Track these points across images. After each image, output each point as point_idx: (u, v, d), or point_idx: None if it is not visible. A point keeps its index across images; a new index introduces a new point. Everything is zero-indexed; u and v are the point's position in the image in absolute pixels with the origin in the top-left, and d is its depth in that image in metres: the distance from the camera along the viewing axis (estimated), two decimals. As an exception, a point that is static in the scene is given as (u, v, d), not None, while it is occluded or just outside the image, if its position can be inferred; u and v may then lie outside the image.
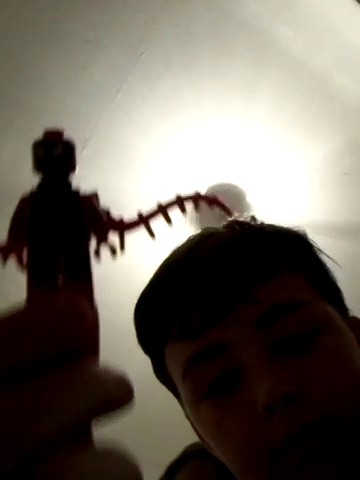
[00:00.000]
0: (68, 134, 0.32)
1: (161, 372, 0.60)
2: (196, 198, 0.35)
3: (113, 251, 0.32)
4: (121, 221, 0.32)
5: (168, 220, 0.33)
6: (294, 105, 1.77)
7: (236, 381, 0.50)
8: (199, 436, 0.59)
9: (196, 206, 0.35)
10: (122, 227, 0.32)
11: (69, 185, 0.29)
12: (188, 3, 1.55)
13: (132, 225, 0.32)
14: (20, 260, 0.29)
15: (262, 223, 0.65)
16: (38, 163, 0.30)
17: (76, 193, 0.30)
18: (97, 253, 0.31)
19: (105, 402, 0.20)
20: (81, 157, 1.77)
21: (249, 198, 1.93)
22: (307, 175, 1.90)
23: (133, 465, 0.20)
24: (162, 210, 0.34)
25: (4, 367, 0.19)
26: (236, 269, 0.53)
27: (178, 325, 0.53)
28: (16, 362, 0.20)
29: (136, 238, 0.36)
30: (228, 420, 0.50)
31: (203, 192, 0.35)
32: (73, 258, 0.27)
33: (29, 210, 0.28)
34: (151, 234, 0.33)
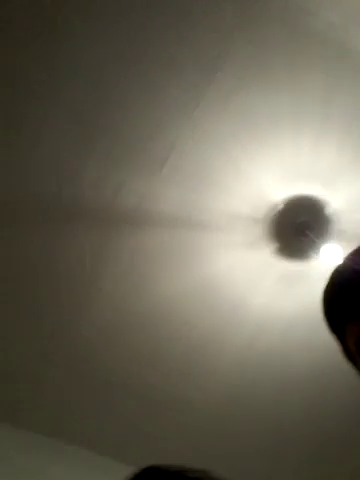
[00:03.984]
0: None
1: (345, 350, 0.69)
2: None
3: None
4: None
5: None
6: (374, 114, 1.72)
7: None
8: None
9: None
10: None
11: None
12: (262, 18, 1.56)
13: None
14: None
15: None
16: None
17: None
18: None
19: None
20: (160, 175, 1.82)
21: (328, 210, 1.89)
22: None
23: None
24: None
25: None
26: None
27: (355, 310, 0.63)
28: None
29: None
30: None
31: (281, 206, 0.38)
32: None
33: None
34: None
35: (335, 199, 1.87)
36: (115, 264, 2.01)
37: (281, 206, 1.88)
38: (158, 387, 2.33)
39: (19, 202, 1.85)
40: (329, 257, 1.89)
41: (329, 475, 2.54)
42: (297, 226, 1.90)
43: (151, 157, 1.78)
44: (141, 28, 1.58)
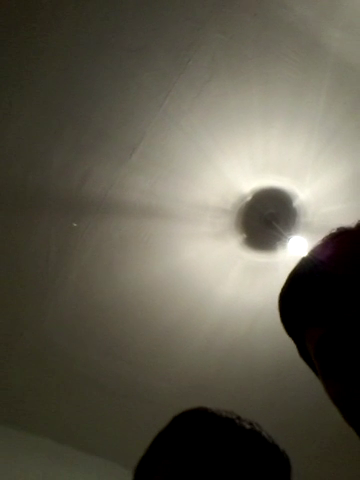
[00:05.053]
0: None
1: (304, 354, 0.66)
2: None
3: None
4: None
5: None
6: (342, 108, 1.74)
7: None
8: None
9: None
10: None
11: None
12: (235, 9, 1.56)
13: None
14: None
15: None
16: None
17: None
18: None
19: None
20: (129, 163, 1.80)
21: (295, 203, 1.91)
22: (354, 180, 1.87)
23: None
24: None
25: None
26: None
27: (313, 314, 0.60)
28: None
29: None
30: (347, 395, 0.55)
31: (249, 197, 0.33)
32: None
33: None
34: None
35: (303, 192, 1.89)
36: (81, 253, 1.98)
37: (249, 197, 1.88)
38: (124, 377, 2.33)
39: (-17, 188, 1.81)
40: (295, 249, 1.92)
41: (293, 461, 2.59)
42: (264, 218, 1.92)
43: (120, 145, 1.76)
44: (112, 15, 1.55)
